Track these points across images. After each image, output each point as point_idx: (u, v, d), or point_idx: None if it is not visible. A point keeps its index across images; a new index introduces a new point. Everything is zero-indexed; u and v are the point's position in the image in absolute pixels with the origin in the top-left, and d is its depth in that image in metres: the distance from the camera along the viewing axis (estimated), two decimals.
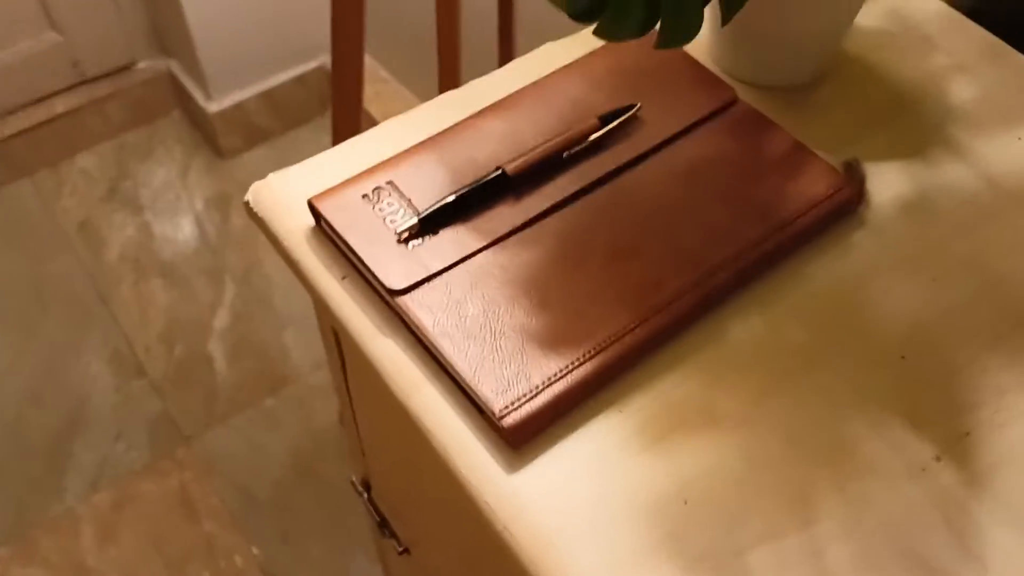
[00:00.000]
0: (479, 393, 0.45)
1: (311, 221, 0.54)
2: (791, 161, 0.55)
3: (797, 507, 0.43)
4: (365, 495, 0.82)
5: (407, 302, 0.49)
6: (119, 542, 1.44)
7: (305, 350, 1.65)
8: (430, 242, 0.51)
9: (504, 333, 0.48)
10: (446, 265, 0.50)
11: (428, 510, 0.66)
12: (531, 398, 0.45)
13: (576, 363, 0.46)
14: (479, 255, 0.51)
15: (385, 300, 0.50)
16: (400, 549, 0.80)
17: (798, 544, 0.42)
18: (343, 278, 0.52)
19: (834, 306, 0.50)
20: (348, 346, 0.61)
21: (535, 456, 0.45)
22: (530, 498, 0.44)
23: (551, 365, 0.46)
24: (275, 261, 1.78)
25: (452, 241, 0.51)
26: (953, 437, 0.46)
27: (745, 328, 0.49)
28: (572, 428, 0.46)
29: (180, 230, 1.86)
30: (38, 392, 1.61)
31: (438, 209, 0.51)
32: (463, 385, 0.47)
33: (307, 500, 1.47)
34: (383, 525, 0.81)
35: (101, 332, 1.68)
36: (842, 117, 0.59)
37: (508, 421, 0.45)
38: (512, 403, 0.45)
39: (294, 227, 0.54)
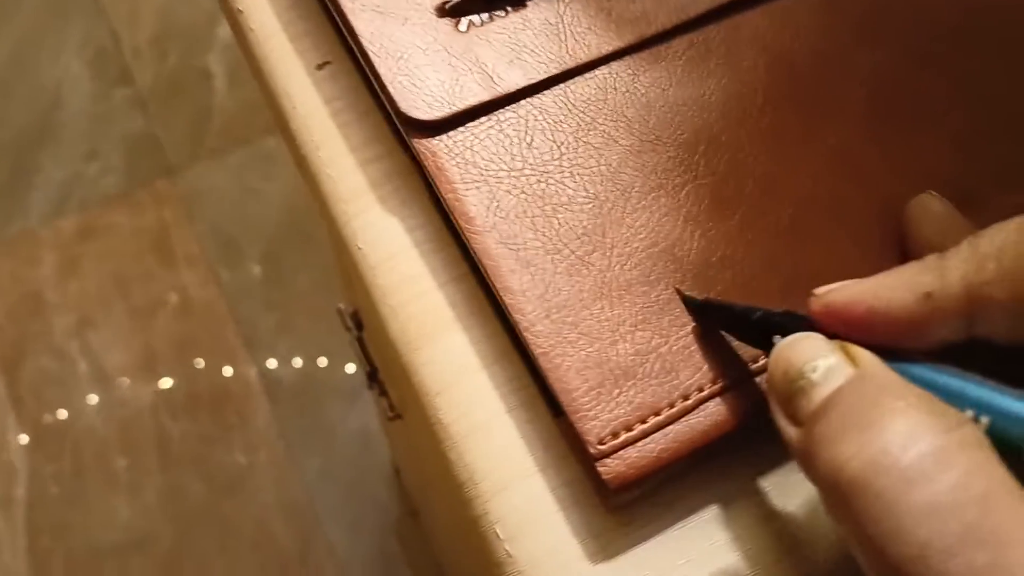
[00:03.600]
0: (555, 388, 0.21)
1: None
2: None
3: None
4: (355, 332, 0.60)
5: (438, 151, 0.23)
6: (82, 276, 1.25)
7: None
8: (504, 23, 0.24)
9: (631, 259, 0.22)
10: (532, 81, 0.24)
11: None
12: (660, 421, 0.21)
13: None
14: (603, 69, 0.24)
15: (398, 131, 0.25)
16: (391, 414, 0.59)
17: None
18: (320, 65, 0.25)
19: None
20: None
21: (640, 537, 0.22)
22: None
23: (718, 358, 0.21)
24: None
25: (548, 28, 0.24)
26: None
27: None
28: (712, 490, 0.22)
29: None
30: (5, 84, 1.36)
31: None
32: (532, 358, 0.22)
33: (299, 264, 1.27)
34: (373, 377, 0.60)
35: (83, 24, 1.41)
36: None
37: (611, 466, 0.20)
38: (619, 424, 0.21)
39: None
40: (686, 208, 0.23)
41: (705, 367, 0.21)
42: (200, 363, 1.20)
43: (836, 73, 0.24)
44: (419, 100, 0.23)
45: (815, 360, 0.17)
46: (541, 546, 0.21)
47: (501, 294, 0.22)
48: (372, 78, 0.23)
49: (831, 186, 0.23)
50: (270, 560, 1.10)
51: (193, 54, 1.38)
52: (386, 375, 0.58)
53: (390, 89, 0.23)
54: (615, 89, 0.24)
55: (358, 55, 0.24)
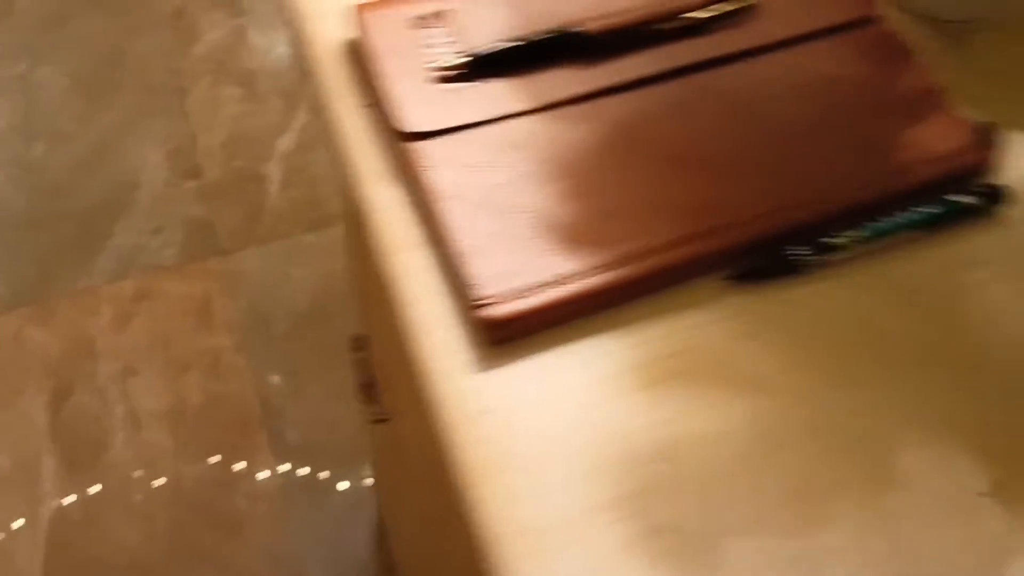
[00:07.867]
0: (465, 272, 0.38)
1: (355, 31, 0.46)
2: (919, 104, 0.45)
3: (801, 506, 0.36)
4: (359, 352, 0.77)
5: (419, 149, 0.41)
6: (130, 331, 1.43)
7: None
8: (473, 90, 0.43)
9: (525, 215, 0.40)
10: (482, 119, 0.42)
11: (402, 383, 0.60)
12: (524, 295, 0.38)
13: (592, 270, 0.39)
14: (525, 117, 0.43)
15: (398, 142, 0.43)
16: (381, 416, 0.75)
17: (792, 548, 0.35)
18: (368, 105, 0.44)
19: (932, 298, 0.41)
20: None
21: (511, 361, 0.38)
22: (492, 405, 0.37)
23: (561, 264, 0.39)
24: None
25: (499, 95, 0.43)
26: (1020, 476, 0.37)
27: (811, 289, 0.41)
28: (564, 341, 0.39)
29: (274, 45, 1.80)
30: (92, 162, 1.59)
31: (494, 53, 0.43)
32: (453, 259, 0.39)
33: (318, 341, 1.44)
34: (369, 387, 0.76)
35: (167, 124, 1.65)
36: (1003, 70, 0.49)
37: (486, 313, 0.37)
38: (501, 294, 0.38)
39: (333, 33, 0.46)
40: (559, 190, 0.41)
41: (548, 278, 0.38)
42: (219, 418, 1.36)
43: (654, 133, 0.42)
44: (412, 119, 0.41)
45: None
46: (448, 362, 0.38)
47: (446, 227, 0.39)
48: (387, 108, 0.42)
49: (645, 192, 0.41)
50: None
51: (255, 160, 1.61)
52: (384, 383, 0.75)
53: (396, 113, 0.41)
54: (531, 127, 0.42)
55: (384, 98, 0.43)
